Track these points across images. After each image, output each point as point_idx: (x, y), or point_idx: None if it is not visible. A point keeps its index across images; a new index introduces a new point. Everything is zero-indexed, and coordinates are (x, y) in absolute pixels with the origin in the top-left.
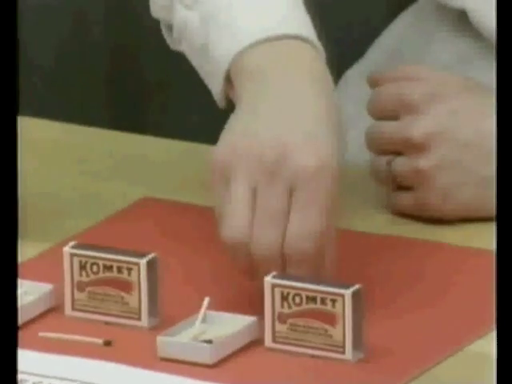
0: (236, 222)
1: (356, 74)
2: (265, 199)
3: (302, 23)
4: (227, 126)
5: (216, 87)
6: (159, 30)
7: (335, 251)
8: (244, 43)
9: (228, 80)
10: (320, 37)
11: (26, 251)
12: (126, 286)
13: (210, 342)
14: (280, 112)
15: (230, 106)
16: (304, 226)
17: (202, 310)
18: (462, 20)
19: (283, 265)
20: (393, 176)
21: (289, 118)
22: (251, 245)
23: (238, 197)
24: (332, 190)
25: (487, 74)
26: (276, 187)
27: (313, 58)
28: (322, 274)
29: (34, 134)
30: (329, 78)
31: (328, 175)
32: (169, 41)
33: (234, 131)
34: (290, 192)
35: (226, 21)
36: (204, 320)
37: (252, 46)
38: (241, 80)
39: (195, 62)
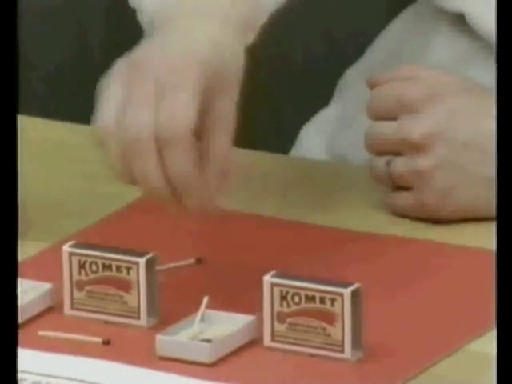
0: (107, 108)
1: (355, 73)
2: (134, 87)
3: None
4: None
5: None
6: None
7: (223, 180)
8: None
9: None
10: (320, 37)
11: (25, 250)
12: (125, 285)
13: (209, 341)
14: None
15: None
16: (173, 107)
17: (201, 309)
18: (460, 20)
19: (158, 154)
20: (392, 176)
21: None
22: (123, 128)
23: (109, 92)
24: (199, 76)
25: (486, 74)
26: (145, 77)
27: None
28: (208, 184)
29: (34, 133)
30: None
31: (193, 61)
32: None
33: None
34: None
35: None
36: (203, 319)
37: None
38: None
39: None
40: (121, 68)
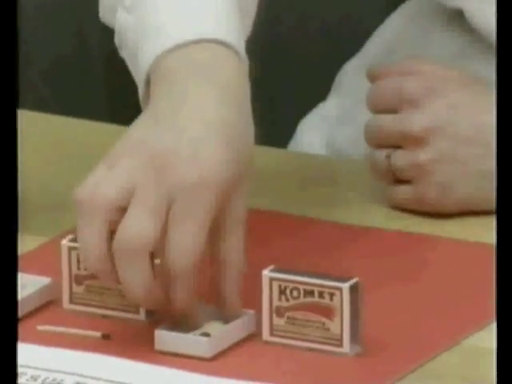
0: (107, 191)
1: (354, 67)
2: (144, 194)
3: (228, 29)
4: (132, 124)
5: (140, 90)
6: None
7: (240, 283)
8: (163, 47)
9: (149, 83)
10: (318, 30)
11: (25, 245)
12: None
13: (207, 335)
14: (175, 117)
15: None
16: (178, 240)
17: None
18: (459, 15)
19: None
20: (392, 170)
21: (180, 125)
22: (121, 231)
23: (115, 177)
24: (213, 207)
25: (484, 68)
26: (157, 188)
27: (228, 64)
28: (221, 305)
29: (34, 127)
30: (243, 87)
31: (209, 191)
32: (117, 47)
33: (131, 129)
34: (169, 201)
35: (152, 24)
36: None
37: (170, 50)
38: (154, 83)
39: (131, 69)
40: (132, 165)
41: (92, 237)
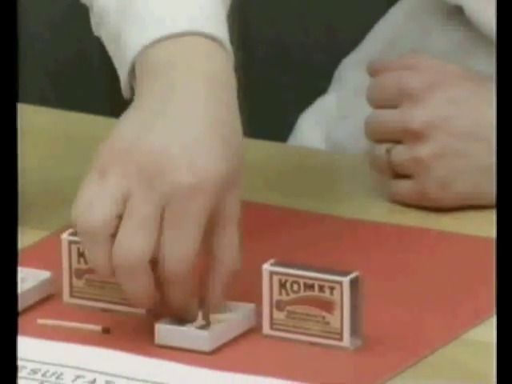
0: (100, 212)
1: (353, 62)
2: (136, 206)
3: (215, 23)
4: (118, 122)
5: (122, 78)
6: None
7: (229, 279)
8: (151, 38)
9: (133, 72)
10: (318, 25)
11: (25, 238)
12: None
13: (207, 329)
14: (165, 117)
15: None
16: (173, 246)
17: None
18: (458, 10)
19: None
20: (392, 164)
21: (172, 125)
22: (117, 247)
23: (108, 191)
24: (207, 209)
25: (485, 62)
26: (149, 197)
27: (217, 59)
28: (207, 303)
29: (34, 121)
30: (232, 82)
31: (204, 193)
32: (92, 25)
33: (120, 130)
34: (163, 208)
35: (140, 11)
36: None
37: (158, 40)
38: (140, 75)
39: (110, 49)
40: (124, 167)
41: (97, 256)
